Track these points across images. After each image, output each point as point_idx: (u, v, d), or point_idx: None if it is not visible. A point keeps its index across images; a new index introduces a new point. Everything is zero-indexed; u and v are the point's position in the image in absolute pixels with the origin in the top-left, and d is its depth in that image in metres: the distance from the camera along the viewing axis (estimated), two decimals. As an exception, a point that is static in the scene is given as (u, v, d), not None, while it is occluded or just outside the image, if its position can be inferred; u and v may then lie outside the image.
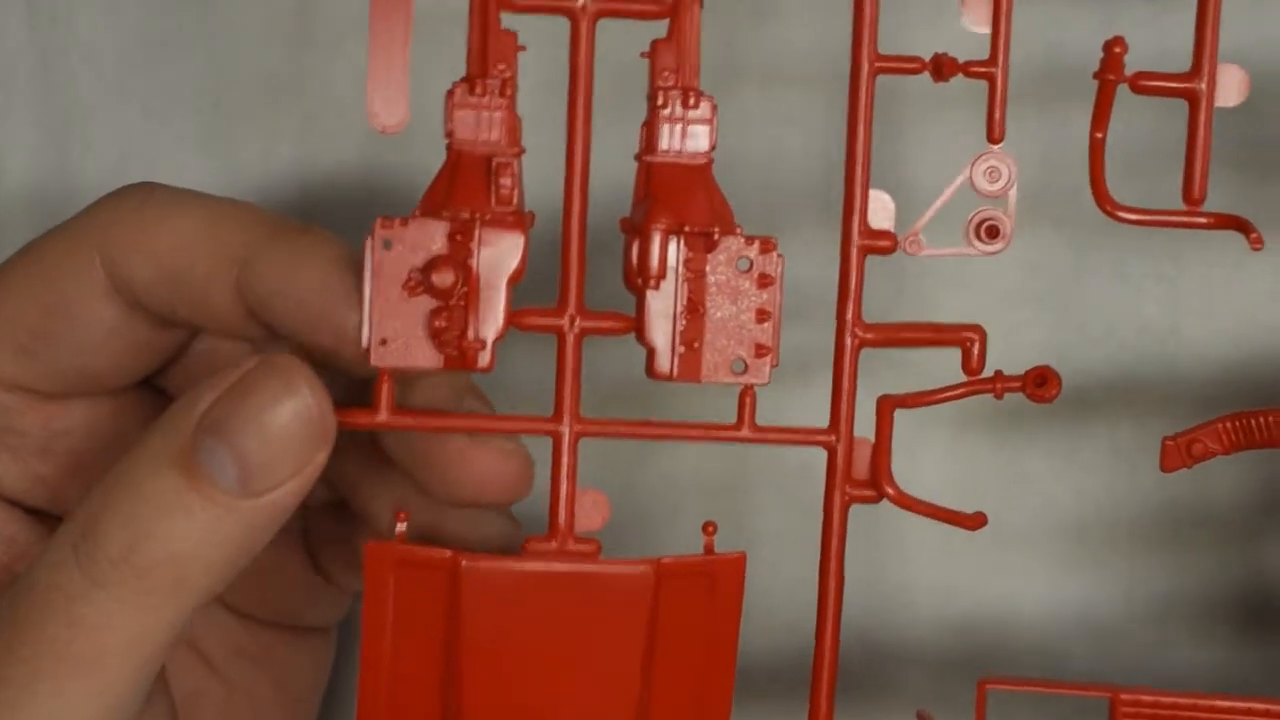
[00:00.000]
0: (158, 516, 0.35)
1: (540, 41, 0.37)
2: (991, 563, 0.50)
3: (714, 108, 0.37)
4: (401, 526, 0.37)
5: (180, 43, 0.46)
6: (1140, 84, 0.38)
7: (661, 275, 0.37)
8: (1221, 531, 0.49)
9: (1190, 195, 0.39)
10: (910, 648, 0.51)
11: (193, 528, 0.35)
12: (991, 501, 0.46)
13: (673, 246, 0.37)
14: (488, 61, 0.37)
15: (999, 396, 0.39)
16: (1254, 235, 0.38)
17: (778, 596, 0.43)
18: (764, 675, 0.47)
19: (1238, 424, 0.40)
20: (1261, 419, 0.40)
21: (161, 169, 0.48)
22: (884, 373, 0.40)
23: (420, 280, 0.37)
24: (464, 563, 0.37)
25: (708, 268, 0.37)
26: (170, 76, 0.48)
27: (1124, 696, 0.38)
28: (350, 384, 0.38)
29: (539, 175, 0.38)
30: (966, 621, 0.51)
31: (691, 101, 0.37)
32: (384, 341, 0.37)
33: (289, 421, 0.36)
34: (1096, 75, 0.38)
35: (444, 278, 0.37)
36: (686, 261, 0.37)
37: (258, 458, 0.35)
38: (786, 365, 0.38)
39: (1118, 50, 0.38)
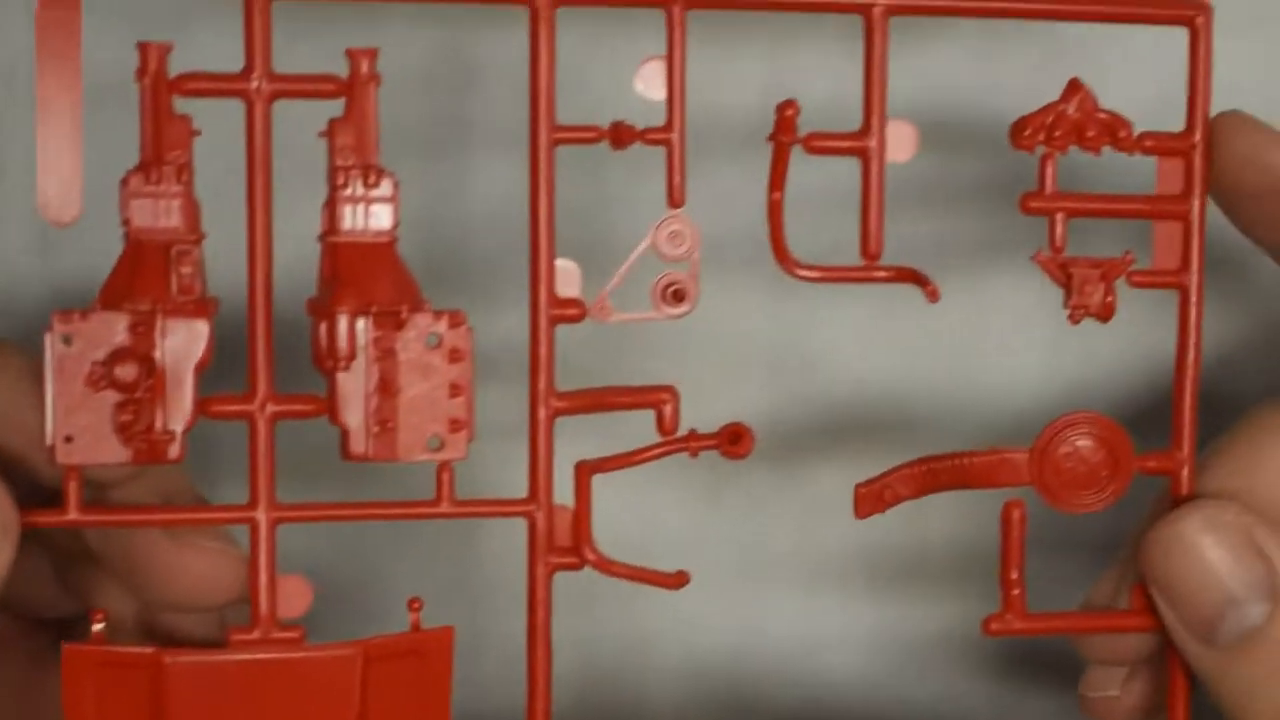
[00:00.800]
0: None
1: (219, 123, 0.37)
2: (737, 605, 0.51)
3: (396, 185, 0.37)
4: (99, 626, 0.36)
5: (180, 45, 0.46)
6: (813, 144, 0.39)
7: (350, 356, 0.37)
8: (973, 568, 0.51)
9: (867, 249, 0.39)
10: (655, 698, 0.51)
11: None
12: (735, 541, 0.47)
13: (361, 326, 0.37)
14: (162, 147, 0.36)
15: (694, 455, 0.40)
16: (929, 288, 0.39)
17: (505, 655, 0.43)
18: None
19: (922, 469, 0.41)
20: (943, 463, 0.41)
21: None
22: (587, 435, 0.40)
23: (104, 374, 0.36)
24: (166, 659, 0.36)
25: (398, 346, 0.37)
26: None
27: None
28: (52, 498, 0.37)
29: (229, 259, 0.37)
30: (712, 666, 0.52)
31: (372, 180, 0.37)
32: (69, 439, 0.36)
33: None
34: (770, 138, 0.39)
35: (126, 371, 0.36)
36: (375, 340, 0.37)
37: None
38: (493, 429, 0.38)
39: (789, 113, 0.39)
